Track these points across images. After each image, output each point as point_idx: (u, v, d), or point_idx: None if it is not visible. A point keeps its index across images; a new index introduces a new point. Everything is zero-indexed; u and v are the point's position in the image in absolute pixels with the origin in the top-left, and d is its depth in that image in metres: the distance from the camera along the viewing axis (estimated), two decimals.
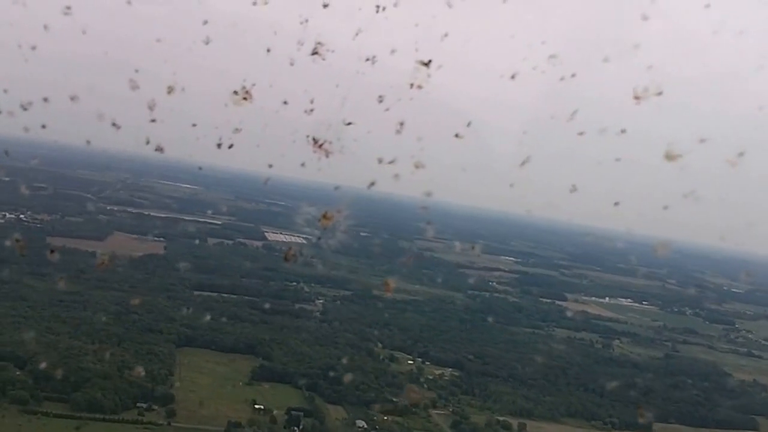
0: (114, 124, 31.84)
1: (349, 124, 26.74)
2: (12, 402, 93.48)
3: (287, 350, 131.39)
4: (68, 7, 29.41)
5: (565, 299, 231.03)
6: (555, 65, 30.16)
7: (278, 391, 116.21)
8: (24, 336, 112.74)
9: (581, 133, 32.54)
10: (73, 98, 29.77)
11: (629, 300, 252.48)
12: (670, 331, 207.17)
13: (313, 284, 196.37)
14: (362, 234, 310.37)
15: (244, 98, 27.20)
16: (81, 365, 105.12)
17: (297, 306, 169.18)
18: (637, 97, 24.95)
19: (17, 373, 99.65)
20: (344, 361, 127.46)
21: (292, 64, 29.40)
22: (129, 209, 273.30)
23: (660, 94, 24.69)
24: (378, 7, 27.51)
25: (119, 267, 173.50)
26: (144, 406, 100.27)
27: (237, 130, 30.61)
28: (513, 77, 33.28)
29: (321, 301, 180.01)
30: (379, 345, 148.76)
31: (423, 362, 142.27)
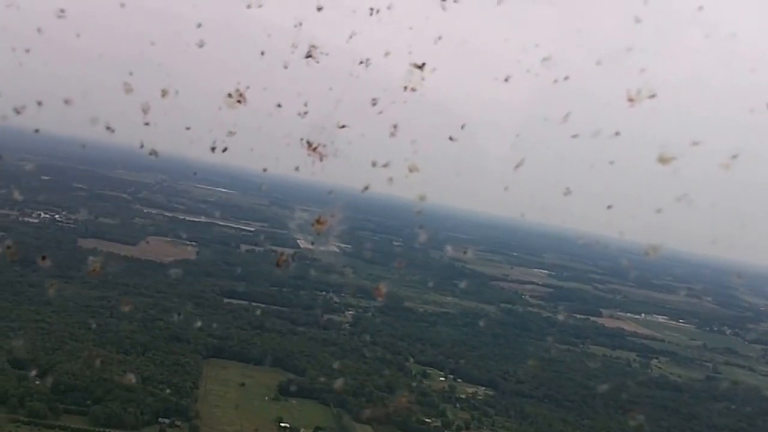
0: (108, 127, 31.77)
1: (343, 126, 26.72)
2: (30, 414, 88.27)
3: (316, 364, 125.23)
4: (62, 10, 29.28)
5: (599, 315, 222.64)
6: (548, 68, 29.82)
7: (306, 407, 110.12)
8: (46, 343, 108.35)
9: (575, 136, 31.84)
10: (67, 101, 29.77)
11: (665, 317, 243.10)
12: (710, 351, 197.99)
13: (343, 294, 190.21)
14: (394, 243, 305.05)
15: (238, 101, 26.97)
16: (103, 376, 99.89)
17: (326, 317, 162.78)
18: (630, 100, 24.62)
19: (37, 383, 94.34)
20: (375, 377, 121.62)
21: (286, 67, 29.11)
22: (164, 212, 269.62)
23: (653, 96, 24.41)
24: (372, 9, 27.72)
25: (150, 272, 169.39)
26: (166, 421, 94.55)
27: (231, 133, 30.35)
28: (506, 80, 32.61)
29: (351, 312, 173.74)
30: (411, 360, 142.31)
31: (455, 379, 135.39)
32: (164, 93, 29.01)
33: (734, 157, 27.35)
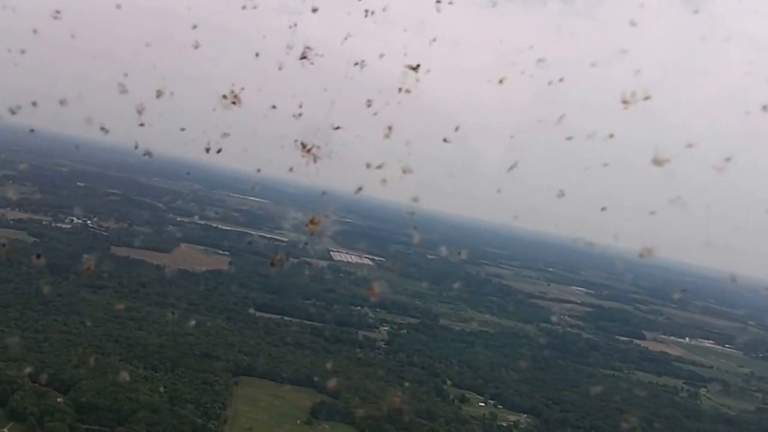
0: (102, 128, 30.92)
1: (338, 128, 26.62)
2: None
3: (350, 385, 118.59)
4: (57, 12, 29.23)
5: (643, 338, 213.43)
6: (543, 69, 29.68)
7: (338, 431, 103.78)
8: (71, 356, 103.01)
9: (569, 138, 31.26)
10: (62, 102, 29.79)
11: (711, 342, 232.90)
12: (758, 380, 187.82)
13: (377, 309, 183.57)
14: (429, 257, 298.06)
15: (233, 102, 26.84)
16: (129, 394, 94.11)
17: (361, 334, 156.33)
18: (624, 102, 24.32)
19: (59, 400, 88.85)
20: (412, 400, 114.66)
21: (280, 69, 29.09)
22: (198, 221, 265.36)
23: (648, 98, 24.18)
24: (367, 11, 27.63)
25: (182, 282, 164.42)
26: None
27: (225, 135, 29.99)
28: (501, 81, 31.75)
29: (386, 328, 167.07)
30: (449, 383, 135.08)
31: (496, 405, 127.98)
32: (159, 94, 28.42)
33: (728, 159, 26.71)
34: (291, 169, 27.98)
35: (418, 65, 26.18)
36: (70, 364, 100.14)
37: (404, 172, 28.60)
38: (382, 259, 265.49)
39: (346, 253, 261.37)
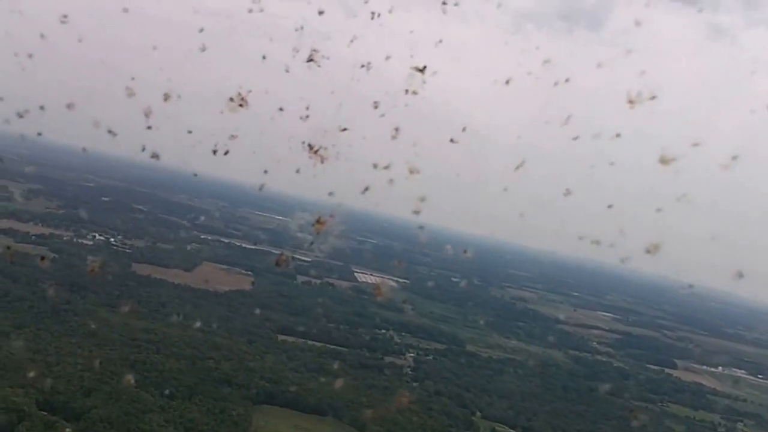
0: (110, 131, 30.22)
1: (345, 130, 26.40)
2: None
3: (376, 416, 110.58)
4: (65, 16, 29.37)
5: (674, 367, 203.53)
6: (549, 70, 29.51)
7: None
8: (83, 381, 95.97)
9: (575, 138, 30.90)
10: (69, 106, 30.16)
11: (743, 371, 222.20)
12: None
13: (403, 333, 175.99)
14: (453, 279, 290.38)
15: (240, 105, 26.56)
16: (142, 425, 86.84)
17: (386, 359, 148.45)
18: (630, 102, 24.14)
19: (67, 431, 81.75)
20: None
21: (287, 71, 29.32)
22: (222, 239, 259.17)
23: (654, 98, 24.04)
24: (373, 14, 28.02)
25: (203, 303, 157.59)
26: None
27: (233, 137, 29.65)
28: (507, 82, 31.81)
29: (412, 354, 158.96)
30: (478, 414, 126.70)
31: None
32: (167, 97, 28.08)
33: (734, 158, 26.04)
34: (298, 171, 27.58)
35: (425, 67, 25.82)
36: (81, 390, 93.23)
37: (411, 172, 27.86)
38: (405, 280, 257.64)
39: (370, 274, 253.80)
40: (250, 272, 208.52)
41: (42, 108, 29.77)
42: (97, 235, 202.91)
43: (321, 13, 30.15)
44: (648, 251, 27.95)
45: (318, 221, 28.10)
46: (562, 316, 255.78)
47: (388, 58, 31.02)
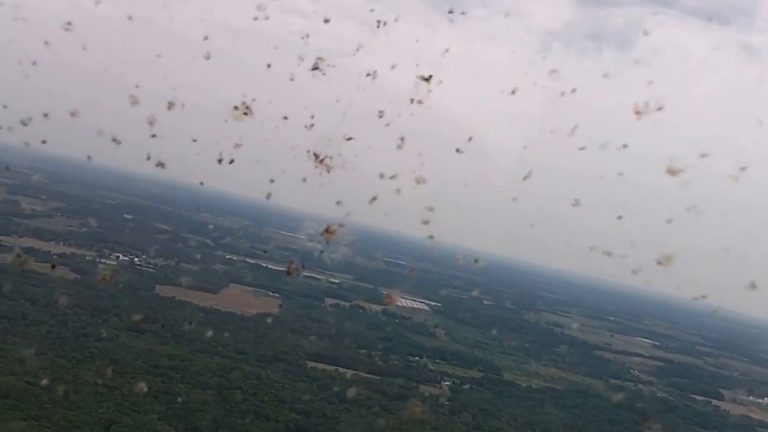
0: (114, 139, 29.47)
1: (350, 139, 26.34)
2: None
3: None
4: (69, 23, 28.98)
5: (721, 398, 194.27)
6: (555, 80, 29.32)
7: None
8: (102, 413, 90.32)
9: (582, 148, 30.23)
10: (73, 114, 29.34)
11: None
12: None
13: (437, 360, 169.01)
14: (485, 302, 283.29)
15: (245, 113, 26.62)
16: None
17: (421, 389, 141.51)
18: (638, 112, 23.82)
19: None
20: None
21: (292, 80, 28.70)
22: (247, 260, 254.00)
23: (661, 109, 23.86)
24: (379, 22, 28.01)
25: (230, 327, 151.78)
26: None
27: (237, 146, 29.28)
28: (513, 92, 31.58)
29: (448, 383, 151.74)
30: None
31: None
32: (171, 105, 27.91)
33: (743, 169, 25.77)
34: (304, 180, 27.33)
35: (431, 76, 25.64)
36: (101, 423, 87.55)
37: (418, 182, 27.60)
38: (437, 304, 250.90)
39: (401, 297, 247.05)
40: (277, 294, 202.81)
41: (46, 116, 28.94)
42: (120, 255, 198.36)
43: (327, 21, 29.87)
44: (659, 263, 27.07)
45: (327, 230, 27.76)
46: (600, 342, 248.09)
47: (393, 66, 30.36)
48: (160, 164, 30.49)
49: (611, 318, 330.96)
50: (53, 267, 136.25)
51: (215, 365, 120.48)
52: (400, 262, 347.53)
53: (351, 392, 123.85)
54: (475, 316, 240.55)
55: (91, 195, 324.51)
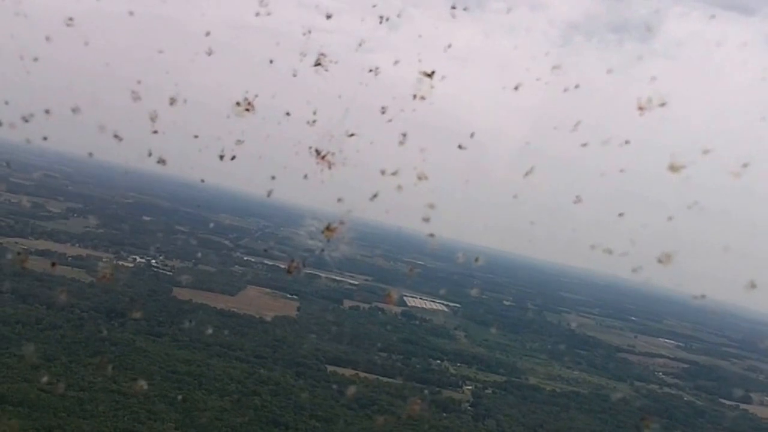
0: (116, 136, 28.51)
1: (352, 135, 26.15)
2: None
3: None
4: (71, 19, 28.29)
5: (749, 401, 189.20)
6: (558, 76, 28.83)
7: None
8: (118, 422, 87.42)
9: (584, 144, 29.60)
10: (74, 110, 28.15)
11: None
12: None
13: (458, 364, 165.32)
14: (505, 303, 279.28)
15: (247, 109, 26.31)
16: None
17: (443, 393, 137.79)
18: (641, 108, 23.46)
19: None
20: None
21: (294, 76, 28.42)
22: (265, 261, 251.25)
23: (664, 105, 23.40)
24: (381, 18, 27.61)
25: (248, 330, 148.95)
26: None
27: (239, 142, 28.69)
28: (516, 88, 30.25)
29: (470, 387, 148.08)
30: None
31: None
32: (172, 101, 27.22)
33: (745, 165, 25.10)
34: (306, 176, 27.31)
35: (433, 72, 25.59)
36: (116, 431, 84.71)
37: (419, 179, 27.45)
38: (457, 305, 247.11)
39: (420, 298, 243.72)
40: (295, 296, 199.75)
41: (47, 112, 27.94)
42: (137, 257, 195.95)
43: (329, 17, 29.49)
44: (660, 261, 26.35)
45: (328, 228, 27.52)
46: (623, 344, 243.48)
47: (396, 62, 30.14)
48: (162, 161, 29.71)
49: (633, 318, 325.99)
50: (53, 265, 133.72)
51: (233, 370, 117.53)
52: (419, 262, 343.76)
53: (371, 398, 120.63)
54: (496, 318, 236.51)
55: (109, 195, 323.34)
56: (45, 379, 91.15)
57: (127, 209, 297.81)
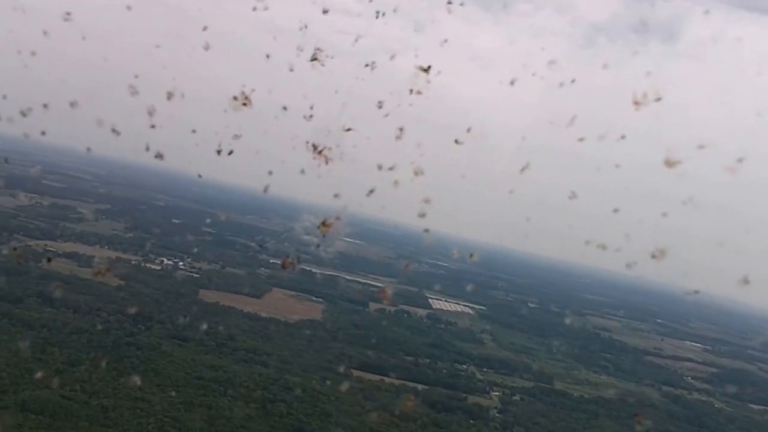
0: (114, 130, 28.28)
1: (349, 130, 25.97)
2: None
3: None
4: (68, 13, 28.68)
5: None
6: (554, 71, 29.00)
7: None
8: (141, 430, 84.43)
9: (581, 139, 28.50)
10: (72, 104, 28.45)
11: None
12: None
13: (485, 369, 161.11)
14: (530, 305, 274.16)
15: (244, 104, 25.96)
16: None
17: (470, 400, 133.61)
18: (636, 103, 22.83)
19: None
20: None
21: (291, 70, 28.34)
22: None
23: (659, 99, 22.76)
24: (378, 12, 26.95)
25: (274, 333, 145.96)
26: None
27: (237, 137, 28.49)
28: (512, 83, 30.69)
29: (497, 393, 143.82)
30: None
31: None
32: (170, 95, 26.76)
33: (740, 160, 25.30)
34: (302, 171, 26.90)
35: (429, 66, 25.04)
36: None
37: (416, 174, 26.99)
38: (482, 307, 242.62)
39: (445, 300, 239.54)
40: (320, 299, 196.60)
41: (45, 106, 27.94)
42: (165, 259, 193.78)
43: (326, 11, 28.65)
44: (653, 256, 26.14)
45: (323, 223, 27.18)
46: (649, 347, 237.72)
47: (392, 57, 29.92)
48: (159, 155, 29.16)
49: (658, 320, 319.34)
50: (49, 260, 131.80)
51: (258, 376, 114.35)
52: (442, 263, 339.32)
53: (399, 405, 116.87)
54: (521, 320, 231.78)
55: (138, 196, 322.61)
56: (63, 385, 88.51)
57: (156, 211, 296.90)
